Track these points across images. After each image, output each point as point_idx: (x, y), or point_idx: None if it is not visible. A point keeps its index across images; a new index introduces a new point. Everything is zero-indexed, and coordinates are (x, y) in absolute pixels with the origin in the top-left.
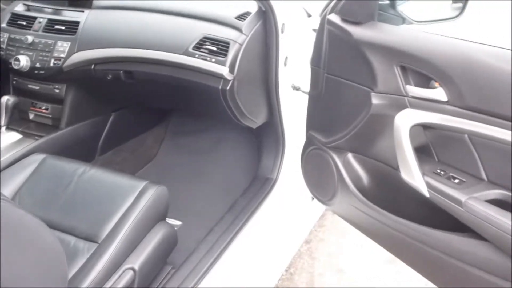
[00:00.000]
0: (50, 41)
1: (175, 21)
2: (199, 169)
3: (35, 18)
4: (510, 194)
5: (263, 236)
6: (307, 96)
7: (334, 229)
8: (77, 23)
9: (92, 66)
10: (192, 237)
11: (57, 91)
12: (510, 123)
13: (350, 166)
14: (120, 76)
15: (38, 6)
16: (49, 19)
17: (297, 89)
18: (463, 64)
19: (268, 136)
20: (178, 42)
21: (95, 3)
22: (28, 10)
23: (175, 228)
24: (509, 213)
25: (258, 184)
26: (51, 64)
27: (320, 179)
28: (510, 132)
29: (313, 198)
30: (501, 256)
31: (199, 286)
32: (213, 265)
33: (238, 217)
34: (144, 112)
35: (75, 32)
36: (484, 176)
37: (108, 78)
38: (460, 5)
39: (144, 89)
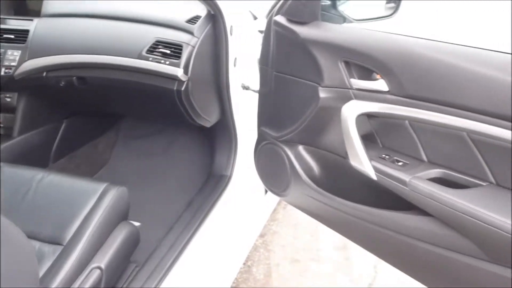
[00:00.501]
0: (1, 50)
1: (127, 27)
2: (154, 171)
3: None
4: (448, 172)
5: (221, 232)
6: (256, 95)
7: (286, 222)
8: (26, 31)
9: (44, 74)
10: (152, 237)
11: (8, 100)
12: (445, 107)
13: (301, 158)
14: (73, 82)
15: None
16: None
17: (247, 88)
18: (401, 57)
19: (220, 134)
20: (131, 46)
21: (44, 11)
22: None
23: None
24: (449, 189)
25: (213, 182)
26: (2, 73)
27: (273, 172)
28: (445, 115)
29: (266, 192)
30: (444, 228)
31: (163, 283)
32: (175, 261)
33: (196, 214)
34: (96, 117)
35: (25, 40)
36: (424, 158)
37: (61, 84)
38: (393, 4)
39: (97, 95)
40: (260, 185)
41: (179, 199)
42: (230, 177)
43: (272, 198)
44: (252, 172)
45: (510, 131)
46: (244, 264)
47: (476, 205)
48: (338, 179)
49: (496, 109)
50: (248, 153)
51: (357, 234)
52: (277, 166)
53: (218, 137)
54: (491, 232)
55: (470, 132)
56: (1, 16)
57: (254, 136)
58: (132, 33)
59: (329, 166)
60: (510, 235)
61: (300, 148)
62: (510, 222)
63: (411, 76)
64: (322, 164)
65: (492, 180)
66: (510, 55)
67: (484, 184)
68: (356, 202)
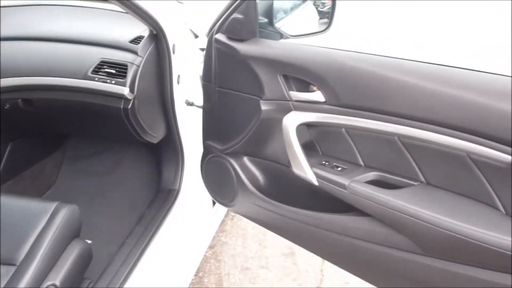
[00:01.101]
0: None
1: (72, 48)
2: (103, 189)
3: None
4: (383, 174)
5: (172, 245)
6: (200, 110)
7: (235, 233)
8: None
9: None
10: (105, 253)
11: None
12: (377, 114)
13: (247, 169)
14: (19, 105)
15: None
16: None
17: (191, 104)
18: (335, 69)
19: (167, 150)
20: (76, 67)
21: None
22: None
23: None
24: (384, 190)
25: (162, 196)
26: None
27: (220, 184)
28: (377, 122)
29: (214, 204)
30: (382, 226)
31: None
32: (128, 276)
33: (146, 229)
34: (42, 138)
35: None
36: (361, 162)
37: (6, 107)
38: (326, 20)
39: (44, 116)
40: (208, 197)
41: (129, 215)
42: (178, 191)
43: (220, 210)
44: (199, 185)
45: (436, 134)
46: (195, 275)
47: (409, 203)
48: (282, 187)
49: (422, 114)
50: (195, 167)
51: (303, 238)
52: (224, 178)
53: (165, 152)
54: (423, 227)
55: (400, 136)
56: None
57: (201, 150)
58: (77, 55)
59: (273, 175)
60: (441, 229)
61: (245, 159)
62: (440, 217)
63: (344, 87)
64: (267, 174)
65: (423, 179)
66: (432, 64)
67: (415, 183)
68: (301, 208)
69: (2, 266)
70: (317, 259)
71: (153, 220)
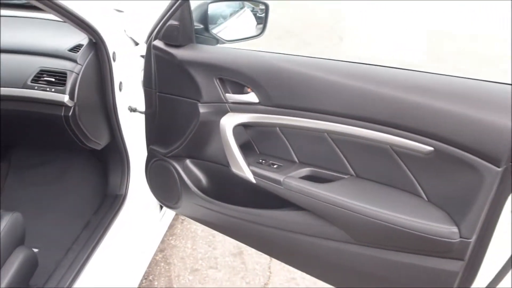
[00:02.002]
0: None
1: (10, 58)
2: (49, 197)
3: None
4: (316, 169)
5: (119, 249)
6: (143, 116)
7: (184, 235)
8: None
9: None
10: (52, 260)
11: None
12: (306, 112)
13: (189, 171)
14: None
15: None
16: None
17: (134, 110)
18: (266, 71)
19: (112, 156)
20: (16, 77)
21: None
22: None
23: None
24: (317, 184)
25: (108, 202)
26: None
27: (164, 187)
28: (308, 119)
29: (161, 208)
30: (316, 219)
31: None
32: (74, 281)
33: (93, 234)
34: None
35: None
36: (296, 159)
37: None
38: (261, 25)
39: None
40: (154, 201)
41: (76, 222)
42: (125, 196)
43: (168, 213)
44: (146, 190)
45: (361, 129)
46: (145, 278)
47: (339, 195)
48: (223, 187)
49: (347, 110)
50: (141, 172)
51: (245, 235)
52: (168, 181)
53: (110, 158)
54: (353, 217)
55: (329, 132)
56: None
57: (146, 154)
58: (16, 64)
59: (215, 176)
60: (369, 218)
61: (188, 162)
62: (368, 207)
63: (275, 88)
64: (208, 175)
65: (352, 172)
66: (354, 63)
67: (346, 177)
68: (241, 206)
69: None
70: (265, 257)
71: (99, 226)
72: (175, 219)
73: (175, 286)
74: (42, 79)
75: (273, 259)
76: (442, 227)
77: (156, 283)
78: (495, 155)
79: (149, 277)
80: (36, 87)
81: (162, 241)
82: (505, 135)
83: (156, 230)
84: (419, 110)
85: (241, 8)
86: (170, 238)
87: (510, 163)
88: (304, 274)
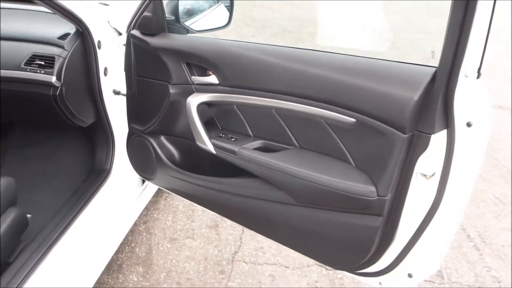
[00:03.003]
0: None
1: (7, 44)
2: (43, 172)
3: None
4: (267, 141)
5: (102, 216)
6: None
7: (166, 210)
8: None
9: None
10: (42, 221)
11: None
12: (258, 91)
13: (163, 146)
14: None
15: None
16: None
17: (118, 93)
18: (223, 56)
19: (99, 134)
20: (10, 60)
21: None
22: None
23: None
24: (266, 153)
25: (94, 175)
26: None
27: (142, 160)
28: (258, 98)
29: (143, 182)
30: (266, 185)
31: (47, 256)
32: (59, 238)
33: (78, 200)
34: None
35: None
36: (251, 133)
37: None
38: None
39: None
40: (136, 175)
41: (65, 192)
42: (109, 170)
43: (150, 186)
44: (129, 165)
45: (301, 105)
46: (128, 246)
47: (284, 163)
48: (191, 159)
49: (290, 89)
50: (124, 149)
51: (208, 201)
52: (145, 155)
53: (97, 136)
54: (296, 181)
55: (276, 109)
56: None
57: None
58: (12, 50)
59: (184, 150)
60: (309, 182)
61: (162, 138)
62: (308, 172)
63: (231, 70)
64: (179, 149)
65: (296, 144)
66: (296, 48)
67: (290, 147)
68: (205, 175)
69: None
70: (237, 230)
71: (85, 193)
72: (159, 195)
73: (154, 253)
74: (34, 63)
75: (245, 231)
76: (362, 187)
77: (137, 249)
78: (401, 124)
79: (131, 244)
80: (28, 69)
81: (146, 214)
82: (409, 107)
83: (137, 202)
84: (343, 88)
85: (216, 3)
86: (154, 212)
87: (416, 131)
88: (270, 244)
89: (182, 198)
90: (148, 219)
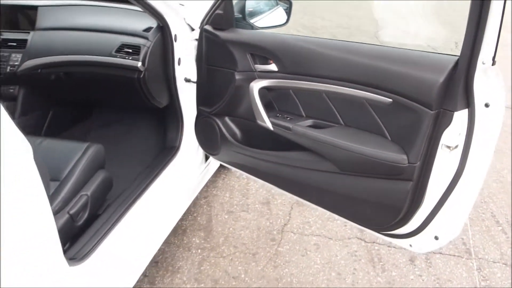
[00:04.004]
0: (5, 54)
1: (101, 35)
2: (121, 148)
3: None
4: (317, 120)
5: (171, 187)
6: (195, 85)
7: (224, 188)
8: (25, 40)
9: (39, 70)
10: (121, 188)
11: (11, 91)
12: (310, 77)
13: (227, 125)
14: (61, 77)
15: None
16: (3, 39)
17: (188, 80)
18: (282, 47)
19: (170, 115)
20: (104, 48)
21: (37, 26)
22: None
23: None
24: (316, 129)
25: (166, 151)
26: (8, 70)
27: (208, 138)
28: (311, 82)
29: (207, 159)
30: (316, 156)
31: (127, 213)
32: (136, 199)
33: (152, 171)
34: (73, 109)
35: (25, 46)
36: (303, 114)
37: (51, 78)
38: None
39: (78, 86)
40: (201, 152)
41: (141, 164)
42: (178, 147)
43: (212, 164)
44: (196, 144)
45: (346, 88)
46: (190, 215)
47: (332, 137)
48: (251, 136)
49: (336, 74)
50: (192, 129)
51: (264, 172)
52: (211, 133)
53: (168, 117)
54: (342, 153)
55: (325, 92)
56: (5, 30)
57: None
58: (105, 39)
59: (245, 129)
60: (351, 152)
61: (226, 118)
62: (351, 144)
63: (288, 59)
64: (240, 128)
65: (342, 122)
66: (341, 41)
67: (336, 125)
68: (264, 149)
69: (51, 182)
70: (287, 207)
71: (157, 166)
72: (218, 175)
73: (213, 222)
74: (122, 51)
75: (293, 208)
76: (396, 155)
77: (199, 218)
78: (429, 102)
79: (193, 214)
80: (118, 56)
81: (206, 191)
82: (435, 87)
83: (200, 177)
84: (382, 73)
85: (276, 5)
86: (213, 189)
87: (441, 108)
88: (315, 219)
89: (238, 178)
90: (208, 195)
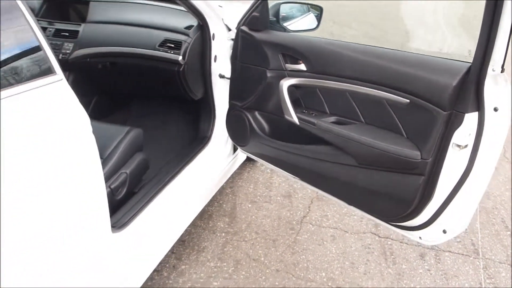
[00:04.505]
0: (58, 43)
1: (146, 30)
2: (157, 136)
3: (45, 28)
4: (339, 117)
5: (200, 174)
6: (228, 81)
7: (249, 180)
8: (77, 31)
9: (88, 59)
10: (156, 169)
11: None
12: (336, 77)
13: (256, 119)
14: (107, 66)
15: (47, 21)
16: (56, 29)
17: (222, 76)
18: (311, 49)
19: (204, 107)
20: (148, 42)
21: (88, 19)
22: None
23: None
24: (339, 125)
25: (198, 140)
26: (60, 57)
27: (238, 130)
28: (336, 82)
29: (235, 150)
30: (337, 150)
31: (162, 191)
32: (171, 180)
33: (184, 158)
34: (113, 98)
35: (76, 37)
36: (328, 111)
37: (99, 67)
38: (316, 21)
39: (122, 76)
40: (230, 143)
41: (174, 151)
42: (210, 138)
43: (239, 156)
44: (226, 135)
45: (368, 88)
46: (217, 202)
47: (353, 132)
48: (279, 130)
49: (359, 75)
50: (223, 122)
51: (289, 164)
52: (241, 126)
53: (202, 109)
54: (360, 147)
55: (349, 91)
56: (58, 21)
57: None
58: (149, 35)
59: (273, 123)
60: (371, 148)
61: (256, 113)
62: (371, 139)
63: (317, 60)
64: (269, 122)
65: (362, 120)
66: (365, 45)
67: (357, 123)
68: (290, 143)
69: None
70: (307, 200)
71: (189, 154)
72: (244, 168)
73: (237, 209)
74: (165, 45)
75: (313, 202)
76: (410, 151)
77: (224, 205)
78: (442, 103)
79: (219, 201)
80: (161, 50)
81: (232, 182)
82: (449, 90)
83: (227, 167)
84: (401, 75)
85: (308, 11)
86: (238, 180)
87: (453, 110)
88: (333, 213)
89: (263, 172)
90: (234, 185)
